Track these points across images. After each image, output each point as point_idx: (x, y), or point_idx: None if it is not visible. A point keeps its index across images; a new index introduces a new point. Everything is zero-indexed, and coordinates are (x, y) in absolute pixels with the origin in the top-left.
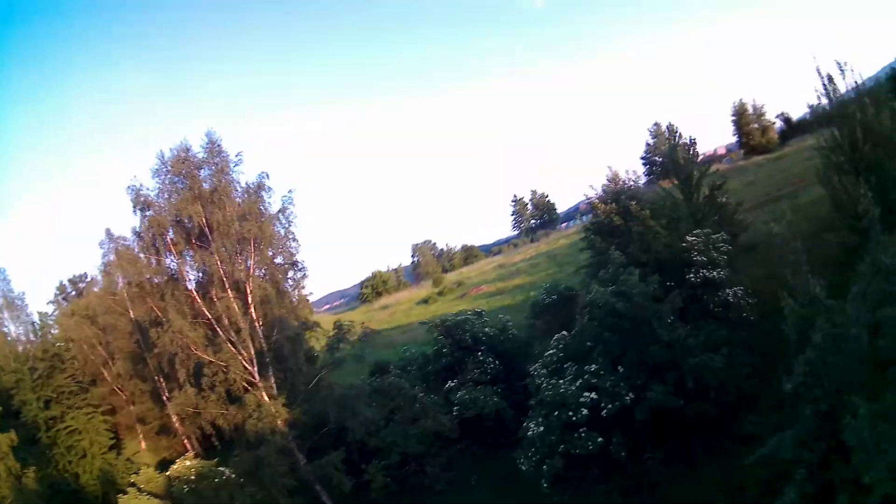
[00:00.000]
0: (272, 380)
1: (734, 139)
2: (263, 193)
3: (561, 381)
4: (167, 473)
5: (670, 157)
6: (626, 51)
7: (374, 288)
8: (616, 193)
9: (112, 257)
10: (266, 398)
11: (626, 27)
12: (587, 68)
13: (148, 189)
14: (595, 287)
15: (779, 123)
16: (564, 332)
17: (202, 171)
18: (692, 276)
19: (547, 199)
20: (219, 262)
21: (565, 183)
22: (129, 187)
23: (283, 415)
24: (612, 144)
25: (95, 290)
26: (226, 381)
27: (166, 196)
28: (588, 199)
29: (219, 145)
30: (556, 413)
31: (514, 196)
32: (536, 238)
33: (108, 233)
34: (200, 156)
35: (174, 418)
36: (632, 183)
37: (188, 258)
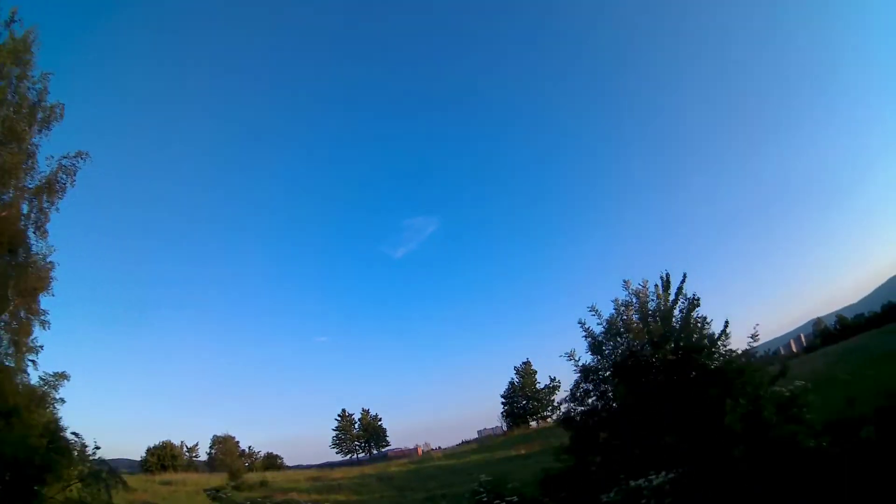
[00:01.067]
0: None
1: None
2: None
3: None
4: None
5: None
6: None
7: (160, 459)
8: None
9: None
10: None
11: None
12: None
13: None
14: None
15: None
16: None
17: None
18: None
19: (379, 423)
20: None
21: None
22: None
23: None
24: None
25: None
26: None
27: None
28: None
29: None
30: None
31: (343, 410)
32: (359, 461)
33: None
34: None
35: None
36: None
37: None
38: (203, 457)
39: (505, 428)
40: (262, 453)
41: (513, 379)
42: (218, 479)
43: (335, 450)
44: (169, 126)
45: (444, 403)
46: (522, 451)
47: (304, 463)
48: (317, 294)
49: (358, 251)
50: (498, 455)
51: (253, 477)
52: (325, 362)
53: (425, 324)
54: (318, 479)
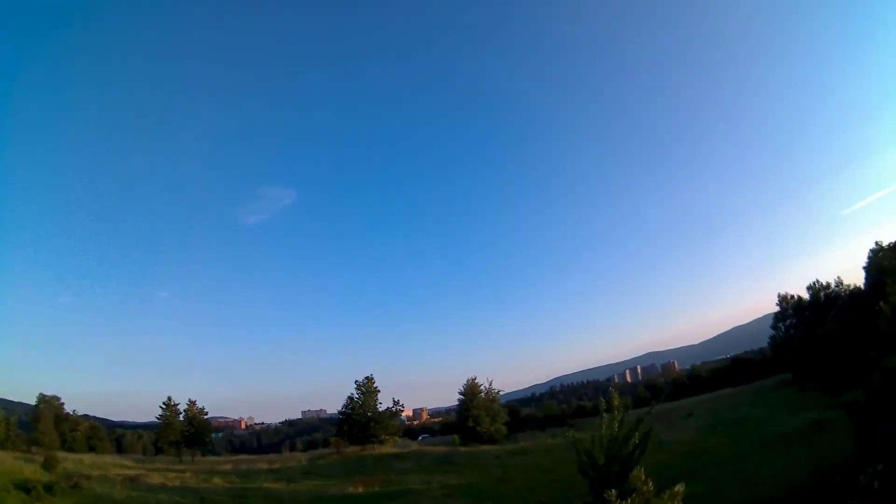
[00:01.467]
0: None
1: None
2: None
3: None
4: None
5: None
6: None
7: None
8: None
9: None
10: None
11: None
12: None
13: None
14: None
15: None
16: None
17: None
18: None
19: (205, 417)
20: None
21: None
22: None
23: None
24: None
25: None
26: None
27: None
28: None
29: None
30: None
31: (168, 398)
32: (182, 457)
33: None
34: None
35: None
36: None
37: None
38: (25, 418)
39: (332, 413)
40: (87, 416)
41: (352, 394)
42: (30, 470)
43: (157, 444)
44: None
45: (269, 376)
46: (360, 489)
47: (131, 420)
48: (157, 245)
49: (207, 210)
50: (333, 488)
51: (68, 464)
52: (166, 317)
53: (268, 293)
54: (135, 479)
